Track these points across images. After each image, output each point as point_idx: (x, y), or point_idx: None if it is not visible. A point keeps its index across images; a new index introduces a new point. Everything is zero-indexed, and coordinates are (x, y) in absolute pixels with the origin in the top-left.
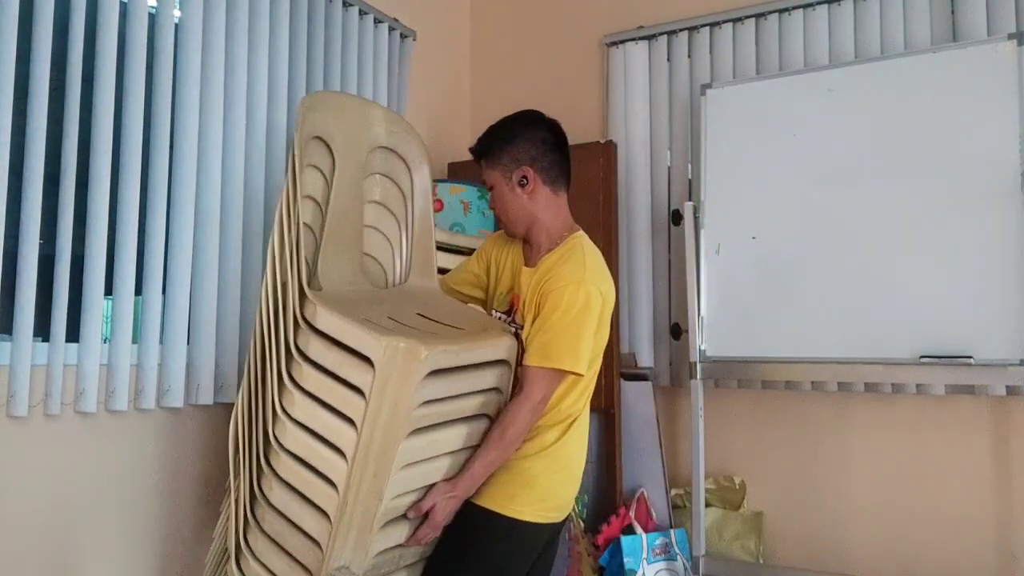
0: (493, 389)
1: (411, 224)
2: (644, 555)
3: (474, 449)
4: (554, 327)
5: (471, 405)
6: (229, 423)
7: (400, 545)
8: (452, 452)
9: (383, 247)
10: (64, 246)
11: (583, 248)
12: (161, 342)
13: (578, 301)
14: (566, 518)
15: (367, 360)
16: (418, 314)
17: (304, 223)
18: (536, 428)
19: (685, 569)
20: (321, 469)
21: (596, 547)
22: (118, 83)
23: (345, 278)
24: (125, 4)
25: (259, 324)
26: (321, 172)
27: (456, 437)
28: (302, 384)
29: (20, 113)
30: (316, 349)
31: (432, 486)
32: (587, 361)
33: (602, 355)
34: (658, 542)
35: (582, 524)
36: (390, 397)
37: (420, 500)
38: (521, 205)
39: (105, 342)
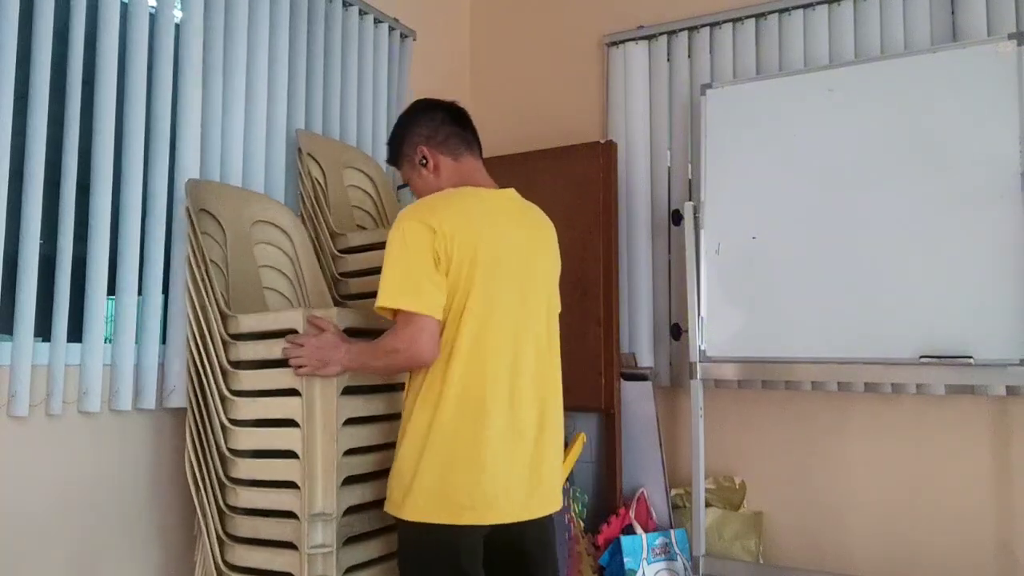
0: None
1: (302, 277)
2: (644, 555)
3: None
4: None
5: (400, 374)
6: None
7: (365, 508)
8: (392, 417)
9: (283, 304)
10: (65, 246)
11: (439, 192)
12: (163, 342)
13: (393, 240)
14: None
15: (293, 332)
16: None
17: None
18: (409, 409)
19: (685, 569)
20: (279, 447)
21: (596, 547)
22: (119, 83)
23: None
24: (125, 5)
25: (191, 360)
26: (215, 240)
27: (386, 402)
28: (241, 388)
29: (21, 114)
30: (245, 350)
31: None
32: (410, 296)
33: (483, 299)
34: (658, 542)
35: (582, 524)
36: None
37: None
38: (428, 184)
39: (107, 342)
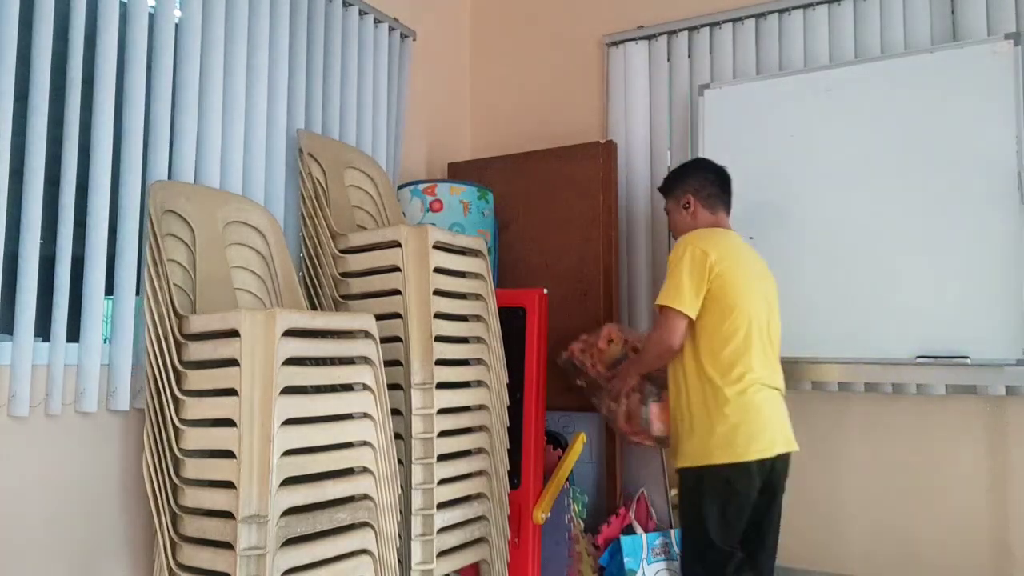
0: (362, 358)
1: (276, 278)
2: (644, 555)
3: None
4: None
5: (344, 374)
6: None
7: (314, 508)
8: (338, 419)
9: (255, 304)
10: (65, 246)
11: (696, 231)
12: None
13: (675, 253)
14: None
15: (235, 334)
16: None
17: (175, 284)
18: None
19: None
20: (219, 447)
21: (596, 547)
22: (118, 83)
23: None
24: (125, 4)
25: (147, 361)
26: (183, 241)
27: (336, 404)
28: (190, 387)
29: (20, 114)
30: (194, 350)
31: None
32: (689, 301)
33: (740, 311)
34: (658, 542)
35: (582, 524)
36: (258, 355)
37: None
38: (684, 222)
39: (105, 342)
